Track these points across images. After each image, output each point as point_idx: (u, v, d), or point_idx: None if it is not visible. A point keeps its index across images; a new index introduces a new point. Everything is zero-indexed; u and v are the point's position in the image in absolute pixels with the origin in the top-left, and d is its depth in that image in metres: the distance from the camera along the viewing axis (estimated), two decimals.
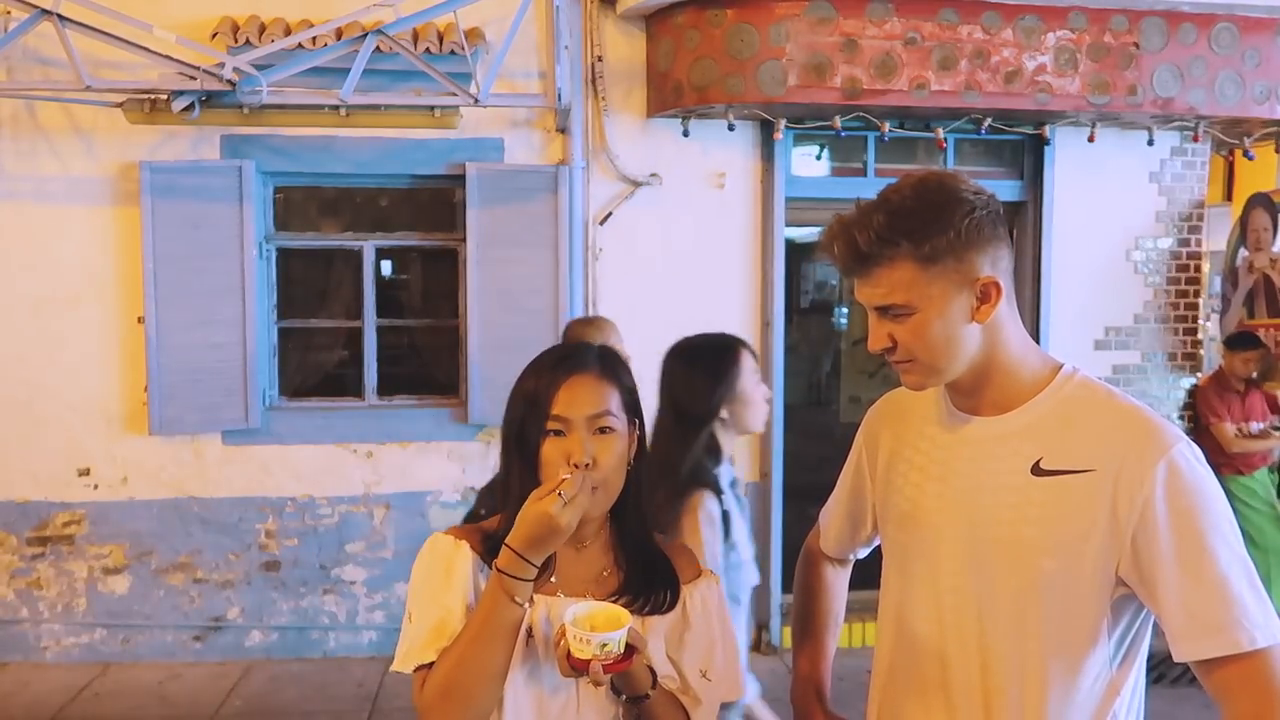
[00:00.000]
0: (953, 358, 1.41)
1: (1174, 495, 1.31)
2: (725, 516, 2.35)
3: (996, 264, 1.39)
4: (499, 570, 1.36)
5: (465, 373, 5.06)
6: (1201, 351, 5.78)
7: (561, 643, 1.34)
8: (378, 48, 4.23)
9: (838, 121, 4.87)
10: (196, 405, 4.88)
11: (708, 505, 2.30)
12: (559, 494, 1.32)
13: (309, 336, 5.28)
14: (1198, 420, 5.57)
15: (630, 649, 1.34)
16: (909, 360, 1.42)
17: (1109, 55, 4.77)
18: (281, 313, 5.15)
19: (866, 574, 1.84)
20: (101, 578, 5.01)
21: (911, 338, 1.40)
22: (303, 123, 4.79)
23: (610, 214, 5.09)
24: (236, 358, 4.87)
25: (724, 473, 2.42)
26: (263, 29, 4.64)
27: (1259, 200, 5.72)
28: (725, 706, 1.68)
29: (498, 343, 4.91)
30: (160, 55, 4.24)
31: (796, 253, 5.52)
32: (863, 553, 1.83)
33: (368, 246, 5.12)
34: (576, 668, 1.32)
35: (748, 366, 2.46)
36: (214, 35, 4.63)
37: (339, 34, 4.43)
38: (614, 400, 1.45)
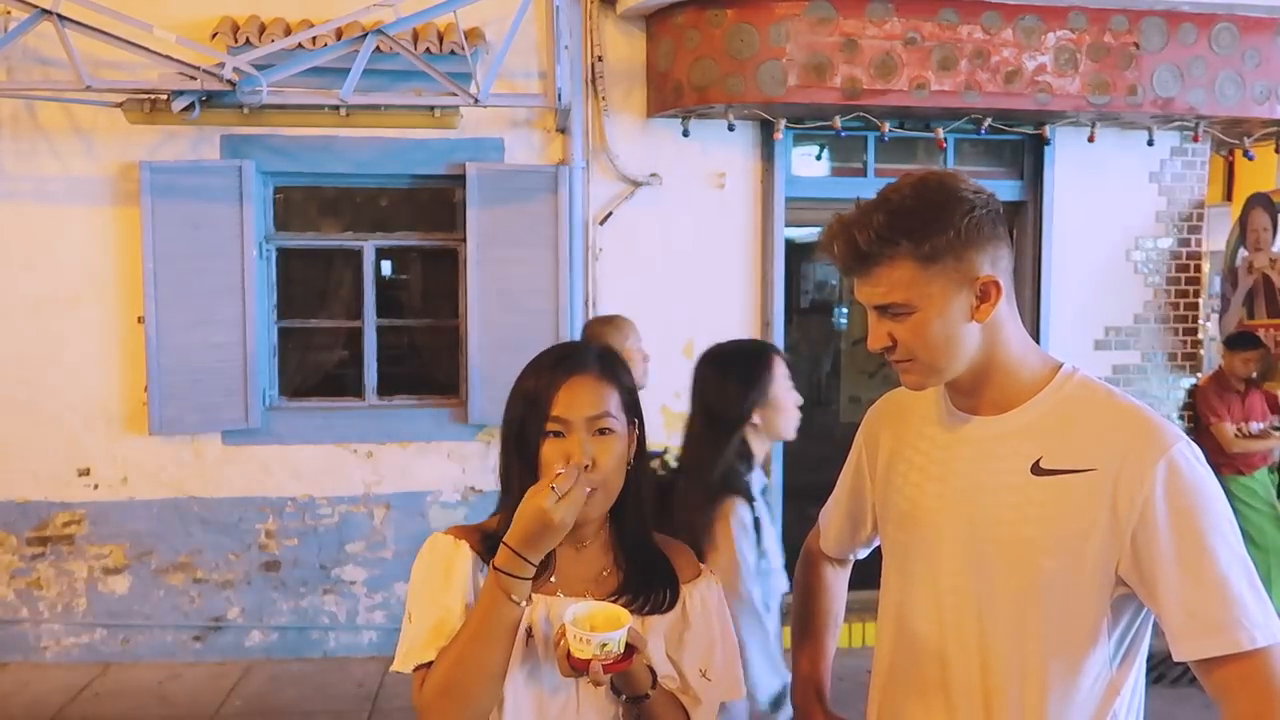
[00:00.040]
0: (952, 357, 1.41)
1: (1174, 495, 1.31)
2: (756, 524, 2.33)
3: (996, 263, 1.39)
4: (496, 569, 1.36)
5: (465, 373, 5.06)
6: (1201, 351, 5.78)
7: (561, 642, 1.34)
8: (378, 48, 4.23)
9: (838, 121, 4.87)
10: (196, 405, 4.88)
11: (739, 512, 2.29)
12: (552, 488, 1.33)
13: (309, 336, 5.27)
14: (1198, 420, 5.57)
15: (630, 649, 1.34)
16: (909, 359, 1.42)
17: (1109, 55, 4.77)
18: (281, 313, 5.15)
19: (866, 574, 1.84)
20: (101, 578, 5.01)
21: (911, 337, 1.40)
22: (303, 123, 4.79)
23: (610, 214, 5.09)
24: (236, 358, 4.87)
25: (755, 479, 2.41)
26: (263, 29, 4.64)
27: (1259, 200, 5.72)
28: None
29: (498, 343, 4.91)
30: (160, 55, 4.24)
31: (796, 253, 5.52)
32: (863, 553, 1.83)
33: (368, 246, 5.12)
34: (576, 668, 1.32)
35: (780, 372, 2.46)
36: (214, 35, 4.63)
37: (339, 34, 4.43)
38: (613, 401, 1.45)
